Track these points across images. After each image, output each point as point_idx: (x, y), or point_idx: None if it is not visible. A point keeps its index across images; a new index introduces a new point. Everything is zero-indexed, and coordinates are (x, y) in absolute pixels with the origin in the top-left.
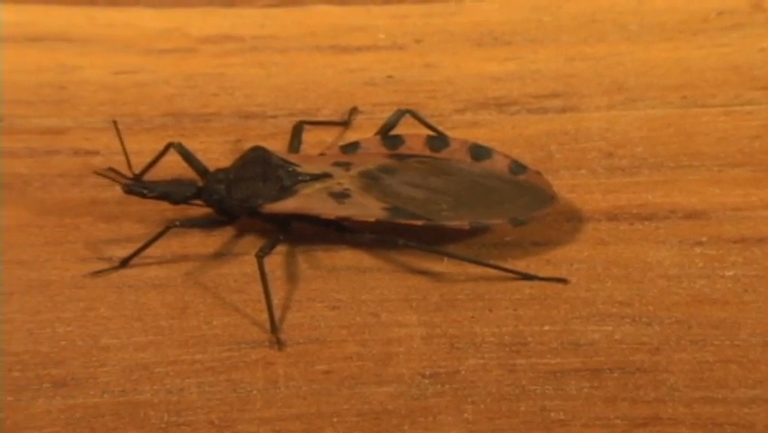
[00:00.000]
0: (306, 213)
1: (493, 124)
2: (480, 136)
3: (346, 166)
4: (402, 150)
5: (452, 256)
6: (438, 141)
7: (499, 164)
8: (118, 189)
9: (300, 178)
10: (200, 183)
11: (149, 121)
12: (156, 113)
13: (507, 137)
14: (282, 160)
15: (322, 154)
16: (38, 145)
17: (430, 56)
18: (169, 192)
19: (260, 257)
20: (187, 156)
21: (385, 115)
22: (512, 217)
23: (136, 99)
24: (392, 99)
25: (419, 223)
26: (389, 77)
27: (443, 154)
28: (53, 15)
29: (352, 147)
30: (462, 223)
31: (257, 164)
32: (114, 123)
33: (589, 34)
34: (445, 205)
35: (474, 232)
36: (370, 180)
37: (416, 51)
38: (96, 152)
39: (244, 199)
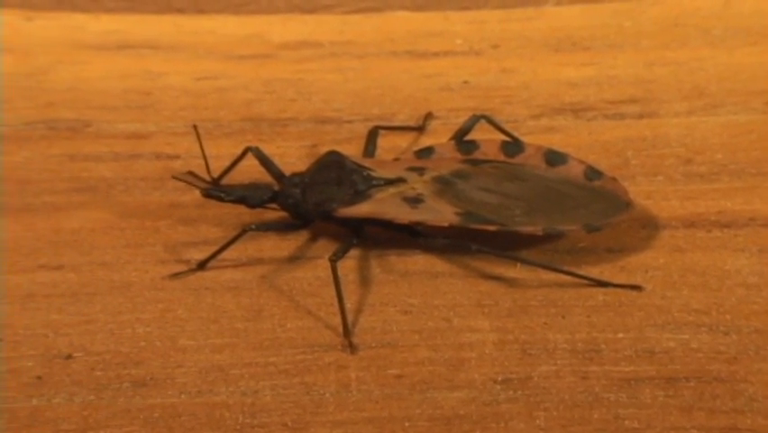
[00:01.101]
0: (380, 217)
1: (569, 130)
2: (556, 142)
3: (420, 171)
4: (476, 155)
5: (525, 262)
6: (513, 146)
7: (575, 170)
8: (197, 193)
9: (374, 182)
10: (276, 187)
11: (228, 126)
12: (235, 117)
13: (582, 143)
14: (357, 164)
15: (396, 159)
16: (122, 149)
17: (507, 61)
18: (246, 196)
19: (334, 261)
20: (264, 160)
21: (460, 120)
22: (586, 224)
23: (216, 104)
24: (467, 105)
25: (492, 228)
26: (465, 82)
27: (518, 160)
28: (143, 24)
29: (426, 152)
30: (536, 229)
31: (332, 169)
32: (195, 127)
33: (670, 39)
34: (519, 210)
35: (548, 238)
36: (444, 185)
37: (492, 57)
38: (177, 157)
39: (319, 203)
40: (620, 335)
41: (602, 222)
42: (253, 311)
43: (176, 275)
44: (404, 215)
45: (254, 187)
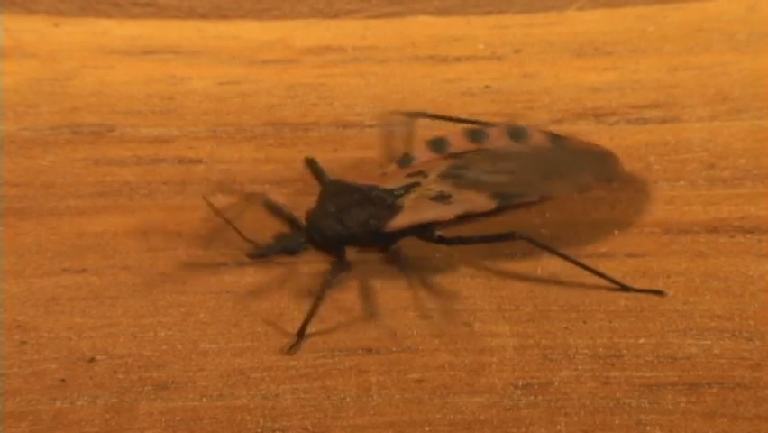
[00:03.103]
0: (424, 221)
1: (591, 135)
2: None
3: (421, 174)
4: (450, 150)
5: (562, 256)
6: (477, 133)
7: (539, 139)
8: (219, 197)
9: (395, 192)
10: (303, 227)
11: (250, 130)
12: (257, 122)
13: None
14: (364, 185)
15: (384, 174)
16: (145, 153)
17: (529, 66)
18: (286, 246)
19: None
20: (275, 208)
21: None
22: (603, 175)
23: (239, 109)
24: (489, 109)
25: (535, 199)
26: (487, 87)
27: (487, 144)
28: (166, 29)
29: (406, 160)
30: (569, 188)
31: (347, 194)
32: (210, 205)
33: (694, 44)
34: (536, 180)
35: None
36: (456, 179)
37: (514, 61)
38: (199, 161)
39: (363, 224)
40: (642, 340)
41: (614, 171)
42: (274, 315)
43: (290, 351)
44: (445, 212)
45: (285, 236)
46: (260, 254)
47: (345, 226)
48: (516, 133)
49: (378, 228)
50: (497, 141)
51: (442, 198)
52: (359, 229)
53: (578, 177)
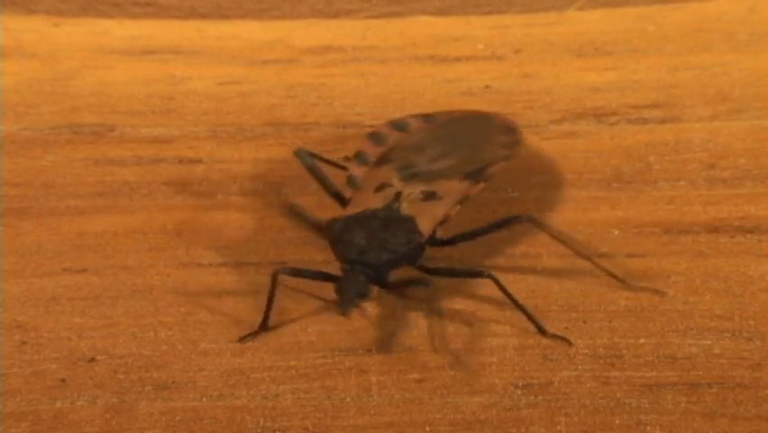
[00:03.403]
0: (441, 220)
1: (591, 135)
2: (578, 146)
3: (387, 186)
4: (371, 158)
5: (563, 242)
6: (375, 136)
7: (415, 124)
8: (219, 197)
9: (393, 207)
10: (350, 269)
11: (250, 130)
12: (257, 122)
13: (604, 148)
14: (369, 212)
15: (353, 196)
16: (145, 153)
17: (529, 66)
18: (360, 291)
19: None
20: (305, 273)
21: None
22: (504, 127)
23: (239, 109)
24: (489, 109)
25: (505, 163)
26: (487, 87)
27: (384, 147)
28: (167, 29)
29: (353, 181)
30: (516, 153)
31: (362, 224)
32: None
33: (694, 44)
34: (471, 151)
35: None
36: (419, 177)
37: (514, 61)
38: (200, 161)
39: (406, 241)
40: (642, 340)
41: (504, 121)
42: (275, 315)
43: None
44: (447, 207)
45: (341, 286)
46: (346, 307)
47: (392, 251)
48: (400, 126)
49: (419, 241)
50: (414, 131)
51: (430, 196)
52: (405, 248)
53: (495, 137)
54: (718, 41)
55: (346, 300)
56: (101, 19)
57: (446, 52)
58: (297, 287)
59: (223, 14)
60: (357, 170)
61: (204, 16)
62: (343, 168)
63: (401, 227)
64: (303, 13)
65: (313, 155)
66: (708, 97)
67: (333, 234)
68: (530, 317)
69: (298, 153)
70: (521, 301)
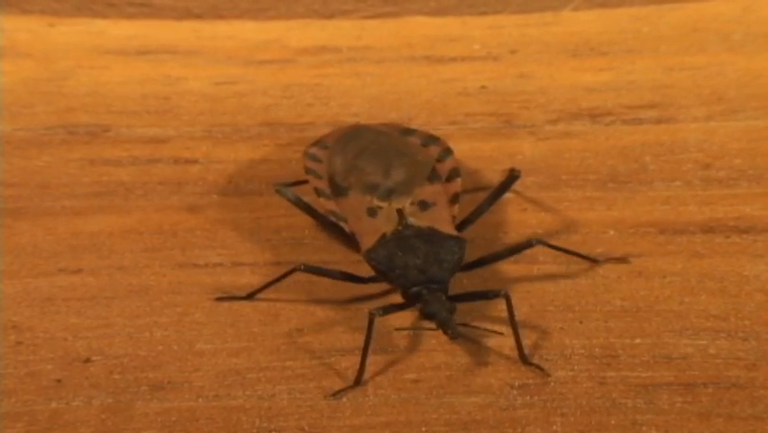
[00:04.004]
0: (453, 215)
1: (586, 135)
2: (573, 147)
3: (375, 210)
4: (323, 175)
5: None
6: (313, 156)
7: (333, 143)
8: (214, 197)
9: (407, 223)
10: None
11: (246, 130)
12: (253, 122)
13: (600, 148)
14: (394, 235)
15: (357, 234)
16: (141, 154)
17: (524, 66)
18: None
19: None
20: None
21: (478, 125)
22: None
23: (235, 109)
24: (485, 109)
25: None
26: (483, 87)
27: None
28: (162, 29)
29: (321, 192)
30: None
31: (410, 244)
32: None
33: (689, 44)
34: (409, 156)
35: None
36: (393, 192)
37: (510, 62)
38: (195, 161)
39: (452, 250)
40: (638, 340)
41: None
42: (270, 315)
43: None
44: (442, 203)
45: (432, 312)
46: (455, 332)
47: (449, 261)
48: (323, 145)
49: (463, 242)
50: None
51: (424, 206)
52: (458, 254)
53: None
54: (714, 41)
55: (448, 323)
56: (96, 19)
57: (442, 53)
58: (292, 288)
59: (218, 14)
60: (320, 183)
61: (199, 16)
62: (305, 182)
63: (437, 237)
64: (298, 14)
65: (292, 184)
66: (704, 98)
67: (380, 264)
68: (518, 342)
69: (280, 192)
70: (519, 327)
